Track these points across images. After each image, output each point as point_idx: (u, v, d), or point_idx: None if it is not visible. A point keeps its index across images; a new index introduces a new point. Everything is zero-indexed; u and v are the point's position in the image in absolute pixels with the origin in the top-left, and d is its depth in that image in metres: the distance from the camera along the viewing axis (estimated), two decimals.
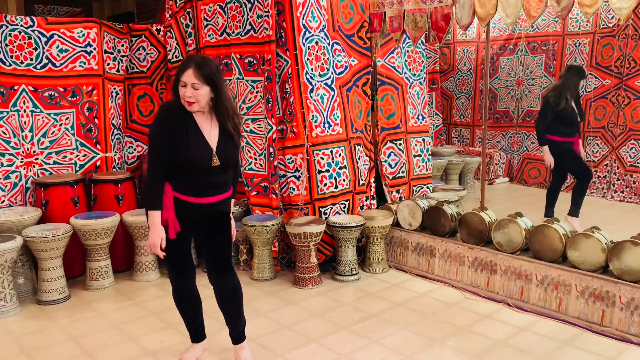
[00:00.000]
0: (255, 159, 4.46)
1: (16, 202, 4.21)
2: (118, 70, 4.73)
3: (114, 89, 4.71)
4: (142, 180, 4.59)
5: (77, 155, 4.51)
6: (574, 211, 4.83)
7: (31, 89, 4.24)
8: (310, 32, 4.23)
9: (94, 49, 4.49)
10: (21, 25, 4.15)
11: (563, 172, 5.08)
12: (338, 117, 4.44)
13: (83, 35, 4.43)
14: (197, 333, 2.94)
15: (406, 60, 5.08)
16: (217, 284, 2.78)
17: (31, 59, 4.22)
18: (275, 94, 4.25)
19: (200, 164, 2.56)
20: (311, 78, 4.26)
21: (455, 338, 3.24)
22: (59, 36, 4.32)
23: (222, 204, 2.71)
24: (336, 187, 4.40)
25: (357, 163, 4.58)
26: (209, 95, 2.55)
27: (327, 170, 4.33)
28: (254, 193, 4.43)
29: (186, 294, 2.82)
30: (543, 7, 3.55)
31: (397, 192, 4.97)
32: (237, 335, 2.86)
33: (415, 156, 5.13)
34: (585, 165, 5.05)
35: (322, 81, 4.32)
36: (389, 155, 4.92)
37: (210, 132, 2.60)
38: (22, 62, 4.19)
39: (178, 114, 2.56)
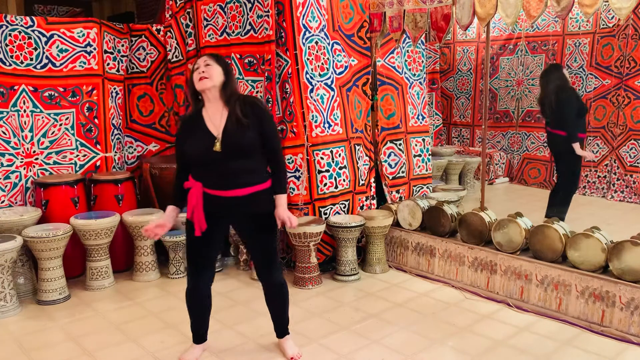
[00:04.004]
0: None
1: (16, 202, 4.21)
2: (118, 70, 4.73)
3: (114, 89, 4.71)
4: (142, 180, 4.59)
5: (77, 155, 4.51)
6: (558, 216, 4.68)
7: (31, 89, 4.24)
8: (310, 32, 4.23)
9: (94, 49, 4.49)
10: (21, 25, 4.15)
11: None
12: (338, 117, 4.44)
13: (83, 35, 4.43)
14: (200, 335, 2.96)
15: (406, 60, 5.08)
16: (264, 281, 2.91)
17: (31, 59, 4.22)
18: (275, 94, 4.25)
19: (199, 152, 2.60)
20: (311, 78, 4.26)
21: (455, 338, 3.24)
22: (59, 36, 4.32)
23: (254, 201, 2.66)
24: (336, 187, 4.40)
25: (357, 163, 4.58)
26: (221, 78, 2.61)
27: (327, 170, 4.33)
28: None
29: (196, 294, 2.84)
30: (543, 7, 3.55)
31: (397, 192, 4.97)
32: (282, 329, 3.03)
33: (415, 156, 5.13)
34: (580, 170, 4.97)
35: (322, 81, 4.32)
36: (389, 155, 4.92)
37: (220, 122, 2.62)
38: (22, 62, 4.19)
39: (190, 117, 2.72)
